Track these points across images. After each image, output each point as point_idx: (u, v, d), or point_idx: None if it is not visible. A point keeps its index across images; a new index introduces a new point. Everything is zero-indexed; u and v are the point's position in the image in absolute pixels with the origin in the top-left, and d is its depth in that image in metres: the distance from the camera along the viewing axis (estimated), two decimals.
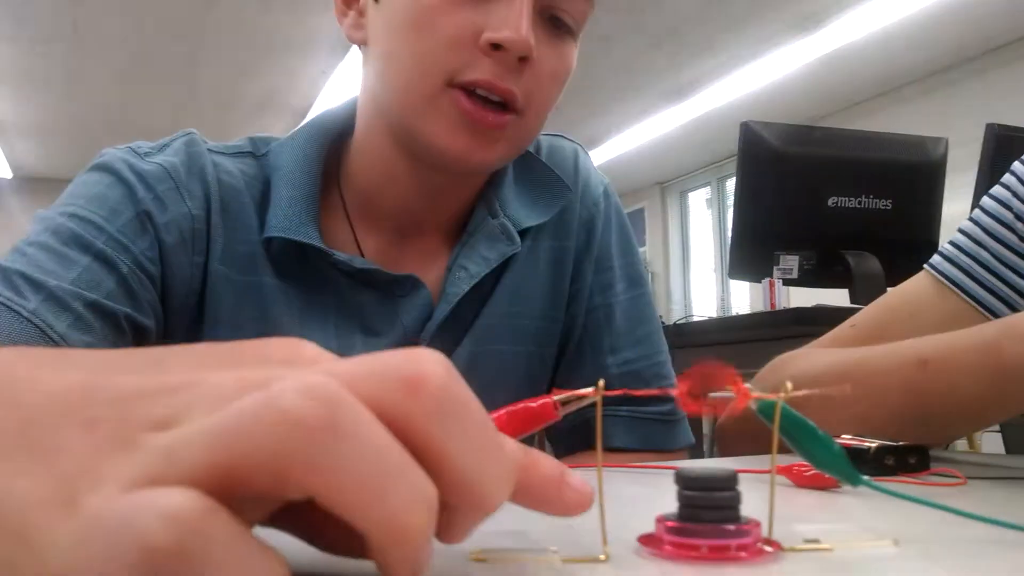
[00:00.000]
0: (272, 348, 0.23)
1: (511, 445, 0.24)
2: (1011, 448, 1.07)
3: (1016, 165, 0.70)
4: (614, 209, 0.82)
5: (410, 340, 0.70)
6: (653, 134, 6.90)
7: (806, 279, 1.89)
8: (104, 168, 0.67)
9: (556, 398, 0.29)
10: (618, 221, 0.82)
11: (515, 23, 0.61)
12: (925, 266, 0.72)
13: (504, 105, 0.64)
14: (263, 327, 0.68)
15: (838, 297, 1.90)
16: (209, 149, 0.72)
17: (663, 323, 2.32)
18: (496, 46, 0.61)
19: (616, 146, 7.24)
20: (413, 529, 0.19)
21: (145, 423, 0.20)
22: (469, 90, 0.63)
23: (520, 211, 0.75)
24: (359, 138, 0.72)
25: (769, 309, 1.89)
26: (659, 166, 8.01)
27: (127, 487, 0.18)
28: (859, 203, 1.84)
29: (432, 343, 0.70)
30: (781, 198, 1.81)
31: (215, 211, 0.68)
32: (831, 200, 1.82)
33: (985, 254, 0.68)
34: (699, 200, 8.44)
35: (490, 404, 0.83)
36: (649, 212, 8.85)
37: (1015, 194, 0.69)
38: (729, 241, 1.86)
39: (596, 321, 0.78)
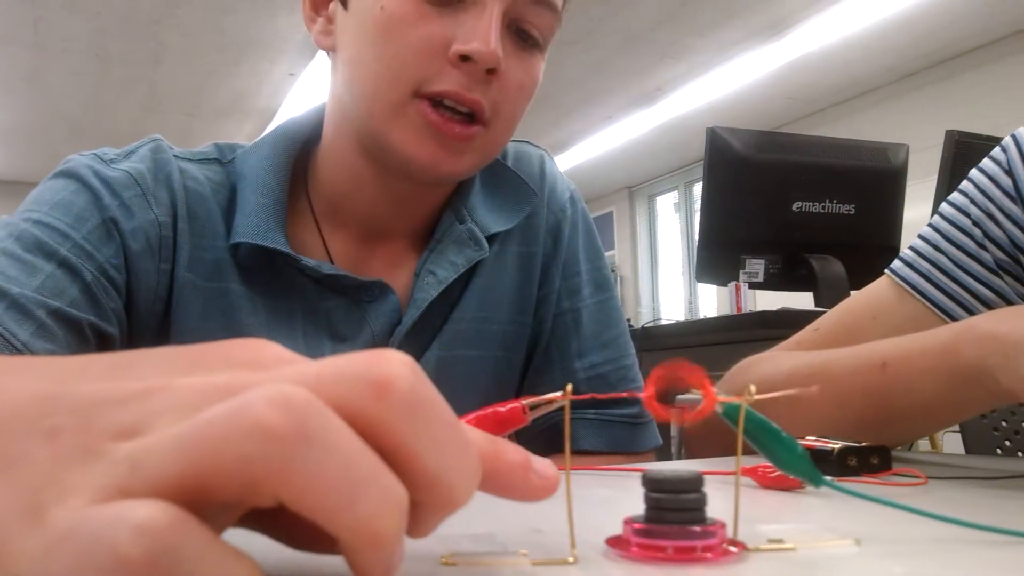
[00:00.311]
0: (237, 350, 0.23)
1: (478, 437, 0.25)
2: (971, 448, 1.10)
3: (973, 172, 0.72)
4: (581, 214, 0.82)
5: (379, 345, 0.71)
6: (622, 138, 6.94)
7: (771, 282, 1.92)
8: (69, 174, 0.66)
9: (525, 402, 0.29)
10: (585, 226, 0.82)
11: (484, 35, 0.61)
12: (886, 271, 0.73)
13: (471, 116, 0.65)
14: (230, 334, 0.67)
15: (803, 300, 1.92)
16: (175, 156, 0.71)
17: (631, 326, 2.33)
18: (465, 58, 0.62)
19: (585, 150, 7.28)
20: (385, 533, 0.19)
21: (109, 431, 0.19)
22: (435, 100, 0.63)
23: (487, 216, 0.76)
24: (326, 144, 0.73)
25: (735, 312, 1.91)
26: (628, 170, 8.07)
27: (94, 498, 0.18)
28: (823, 208, 1.87)
29: (401, 348, 0.70)
30: (747, 203, 1.84)
31: (182, 218, 0.68)
32: (796, 205, 1.85)
33: (944, 259, 0.70)
34: (667, 204, 8.51)
35: (459, 409, 0.83)
36: (618, 216, 8.90)
37: (972, 200, 0.70)
38: (696, 245, 1.88)
39: (564, 325, 0.79)
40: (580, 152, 7.33)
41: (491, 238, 0.75)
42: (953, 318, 0.68)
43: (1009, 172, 0.69)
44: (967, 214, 0.70)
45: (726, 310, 2.09)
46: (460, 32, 0.62)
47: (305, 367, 0.22)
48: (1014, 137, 0.70)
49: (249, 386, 0.19)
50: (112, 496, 0.18)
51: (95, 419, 0.20)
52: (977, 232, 0.69)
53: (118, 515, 0.17)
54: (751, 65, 5.39)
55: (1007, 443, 1.03)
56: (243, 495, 0.18)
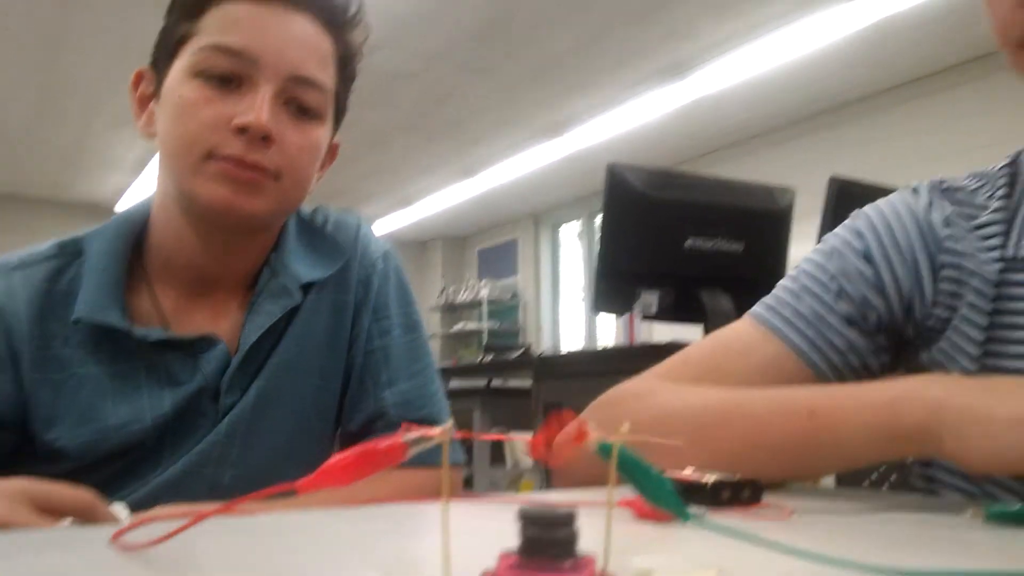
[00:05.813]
0: None
1: None
2: (841, 480, 1.16)
3: (828, 235, 0.78)
4: (393, 269, 0.98)
5: (210, 386, 0.84)
6: (528, 167, 7.04)
7: (664, 315, 1.98)
8: None
9: (405, 439, 0.30)
10: (397, 278, 0.98)
11: (257, 111, 0.78)
12: (747, 315, 0.78)
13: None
14: (78, 412, 0.81)
15: (695, 332, 1.99)
16: (12, 268, 0.84)
17: (530, 354, 2.35)
18: (243, 129, 0.78)
19: (492, 177, 7.34)
20: None
21: None
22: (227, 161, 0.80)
23: (301, 269, 0.91)
24: (155, 214, 0.88)
25: (628, 343, 1.96)
26: (533, 198, 8.18)
27: None
28: (714, 245, 1.95)
29: (230, 385, 0.85)
30: (643, 237, 1.90)
31: (16, 330, 0.81)
32: (689, 241, 1.92)
33: (804, 307, 0.75)
34: (571, 233, 8.66)
35: (282, 428, 0.91)
36: (522, 243, 8.99)
37: (829, 257, 0.76)
38: (594, 276, 1.92)
39: (376, 360, 0.93)
40: (488, 179, 7.39)
41: (308, 288, 0.90)
42: (810, 362, 0.73)
43: (861, 237, 0.76)
44: (825, 269, 0.76)
45: (624, 340, 2.14)
46: (239, 109, 0.79)
47: None
48: (865, 212, 0.78)
49: None
50: None
51: None
52: (833, 285, 0.75)
53: None
54: (653, 103, 5.58)
55: (874, 476, 1.10)
56: None
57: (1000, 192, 0.73)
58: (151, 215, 0.89)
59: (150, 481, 0.82)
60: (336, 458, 0.29)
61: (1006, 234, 0.71)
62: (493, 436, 0.35)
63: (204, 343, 0.85)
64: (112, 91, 5.36)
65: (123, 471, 0.82)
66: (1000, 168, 0.76)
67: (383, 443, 0.29)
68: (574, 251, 8.60)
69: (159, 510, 0.73)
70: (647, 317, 1.96)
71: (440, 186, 7.78)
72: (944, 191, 0.76)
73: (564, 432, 0.30)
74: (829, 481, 1.16)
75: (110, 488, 0.80)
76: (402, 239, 9.37)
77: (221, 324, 0.88)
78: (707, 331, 1.94)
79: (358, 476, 0.30)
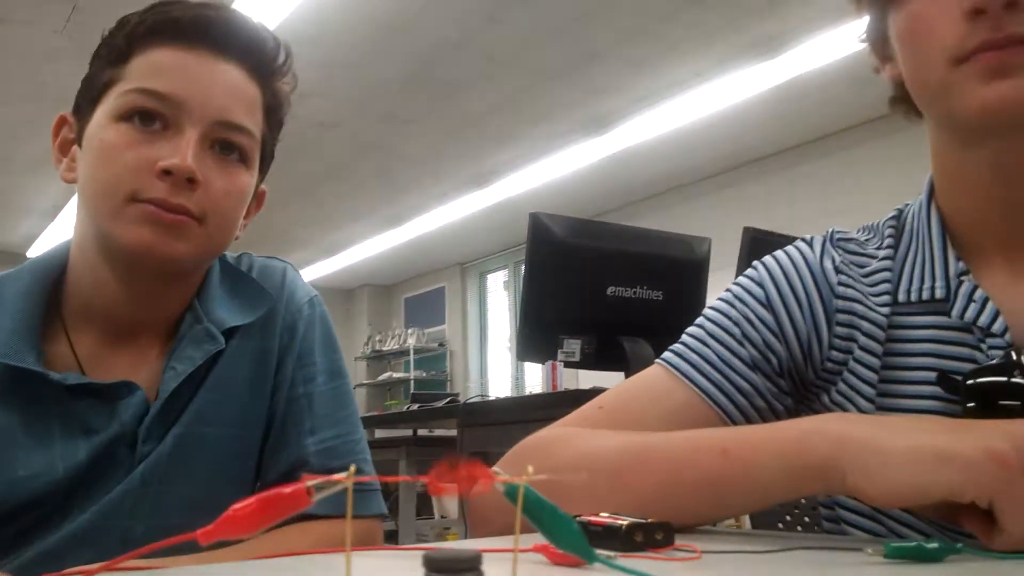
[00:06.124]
0: None
1: None
2: (756, 522, 1.18)
3: (740, 278, 0.81)
4: (319, 316, 0.96)
5: (127, 434, 0.81)
6: (455, 216, 7.08)
7: (587, 362, 2.01)
8: None
9: (309, 483, 0.30)
10: (322, 325, 0.96)
11: (182, 154, 0.78)
12: (658, 361, 0.80)
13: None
14: None
15: (617, 379, 2.02)
16: None
17: (457, 402, 2.35)
18: (167, 172, 0.77)
19: (419, 225, 7.35)
20: None
21: None
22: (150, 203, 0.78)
23: (225, 314, 0.89)
24: (73, 257, 0.86)
25: (551, 390, 1.98)
26: (460, 247, 8.21)
27: None
28: (634, 293, 1.99)
29: (148, 433, 0.82)
30: (566, 286, 1.93)
31: None
32: (610, 289, 1.96)
33: (710, 353, 0.77)
34: (497, 282, 8.70)
35: (199, 477, 0.89)
36: (449, 291, 8.99)
37: (732, 304, 0.80)
38: (518, 324, 1.94)
39: (299, 407, 0.91)
40: (415, 227, 7.40)
41: (232, 333, 0.88)
42: (720, 405, 0.75)
43: (760, 285, 0.79)
44: (728, 316, 0.79)
45: (548, 387, 2.15)
46: (163, 152, 0.78)
47: None
48: (763, 262, 0.82)
49: None
50: None
51: None
52: (737, 331, 0.78)
53: None
54: (576, 156, 5.72)
55: (788, 518, 1.12)
56: None
57: (888, 243, 0.78)
58: (69, 260, 0.86)
59: (58, 533, 0.78)
60: (238, 505, 0.29)
61: (893, 281, 0.76)
62: (392, 478, 0.35)
63: (122, 389, 0.82)
64: (25, 137, 5.20)
65: (30, 524, 0.78)
66: (887, 220, 0.81)
67: (286, 489, 0.29)
68: (500, 300, 8.64)
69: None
70: (570, 365, 1.98)
71: (367, 234, 7.74)
72: (836, 242, 0.81)
73: (469, 474, 0.30)
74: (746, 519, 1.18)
75: (15, 543, 0.77)
76: (328, 287, 9.25)
77: (140, 371, 0.85)
78: (628, 378, 1.97)
79: (262, 524, 0.29)
